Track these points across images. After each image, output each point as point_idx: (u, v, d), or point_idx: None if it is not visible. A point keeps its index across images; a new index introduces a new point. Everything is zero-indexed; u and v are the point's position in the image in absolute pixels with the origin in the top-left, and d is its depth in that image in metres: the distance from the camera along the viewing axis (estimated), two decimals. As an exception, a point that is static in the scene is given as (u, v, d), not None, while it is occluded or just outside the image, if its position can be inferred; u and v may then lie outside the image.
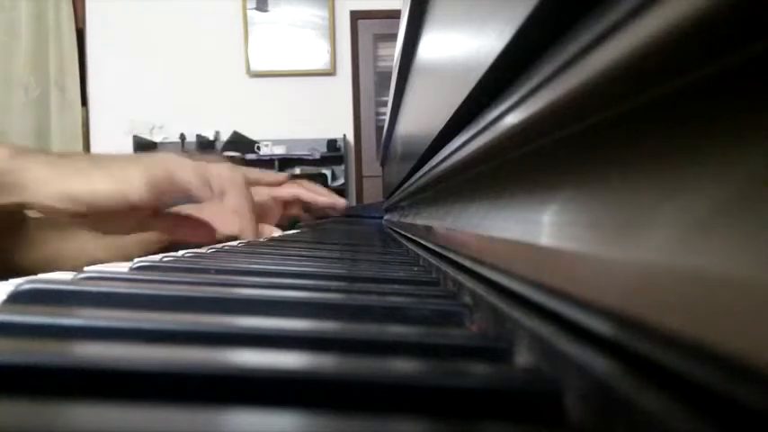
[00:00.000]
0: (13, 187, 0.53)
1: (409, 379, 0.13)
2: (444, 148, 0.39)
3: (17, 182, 0.53)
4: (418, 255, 0.47)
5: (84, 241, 0.64)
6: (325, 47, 4.17)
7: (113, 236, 0.62)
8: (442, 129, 0.38)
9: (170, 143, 4.05)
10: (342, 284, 0.30)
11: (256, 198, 0.66)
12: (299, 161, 4.09)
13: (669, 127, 0.13)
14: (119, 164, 0.57)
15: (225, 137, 4.13)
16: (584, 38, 0.14)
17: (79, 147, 4.04)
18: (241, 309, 0.21)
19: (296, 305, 0.22)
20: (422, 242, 0.49)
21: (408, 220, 0.72)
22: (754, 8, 0.09)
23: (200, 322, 0.17)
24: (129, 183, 0.55)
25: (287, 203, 0.91)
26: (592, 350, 0.12)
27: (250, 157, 4.02)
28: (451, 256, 0.33)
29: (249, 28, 4.13)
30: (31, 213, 0.59)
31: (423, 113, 0.58)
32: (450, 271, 0.30)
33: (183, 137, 4.01)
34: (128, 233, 0.61)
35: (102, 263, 0.60)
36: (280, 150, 4.02)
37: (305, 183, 0.93)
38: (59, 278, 0.25)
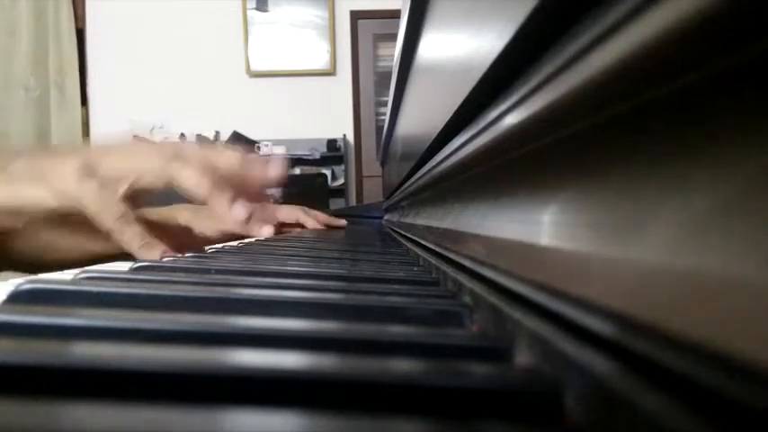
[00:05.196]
0: None
1: (409, 379, 0.13)
2: (444, 149, 0.39)
3: None
4: (418, 255, 0.47)
5: (79, 233, 0.63)
6: (325, 47, 4.17)
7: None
8: (442, 129, 0.38)
9: (170, 143, 4.05)
10: (342, 284, 0.30)
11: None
12: (299, 161, 4.09)
13: (669, 127, 0.13)
14: (55, 164, 0.50)
15: (225, 137, 4.13)
16: (584, 38, 0.14)
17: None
18: (241, 309, 0.21)
19: (296, 305, 0.22)
20: (422, 242, 0.49)
21: (408, 220, 0.72)
22: (754, 8, 0.09)
23: (200, 322, 0.17)
24: (61, 187, 0.48)
25: (284, 223, 0.95)
26: (592, 350, 0.12)
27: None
28: (451, 256, 0.33)
29: (249, 28, 4.13)
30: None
31: (423, 113, 0.58)
32: (451, 271, 0.30)
33: (183, 137, 4.01)
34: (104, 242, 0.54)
35: (95, 254, 0.57)
36: (280, 150, 4.02)
37: (305, 209, 0.97)
38: (59, 278, 0.25)
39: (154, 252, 0.48)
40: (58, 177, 0.49)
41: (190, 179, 0.50)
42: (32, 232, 0.56)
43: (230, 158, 0.58)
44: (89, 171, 0.49)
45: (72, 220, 0.51)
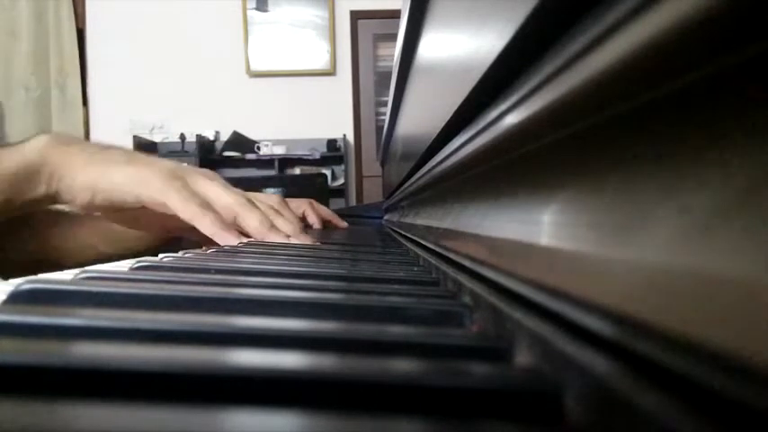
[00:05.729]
0: (46, 178, 0.56)
1: (409, 379, 0.13)
2: (444, 149, 0.39)
3: (52, 173, 0.56)
4: (418, 255, 0.47)
5: (88, 235, 0.65)
6: (325, 47, 4.17)
7: (117, 231, 0.64)
8: (442, 129, 0.38)
9: (170, 143, 4.05)
10: (342, 284, 0.30)
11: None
12: (299, 161, 4.09)
13: (669, 127, 0.13)
14: (148, 161, 0.58)
15: (225, 137, 4.13)
16: (584, 38, 0.14)
17: (79, 147, 4.04)
18: (241, 309, 0.21)
19: (296, 305, 0.22)
20: (422, 242, 0.49)
21: (408, 220, 0.72)
22: (754, 8, 0.09)
23: (200, 322, 0.17)
24: (147, 184, 0.56)
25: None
26: (592, 350, 0.12)
27: (250, 157, 4.02)
28: (451, 256, 0.33)
29: (249, 28, 4.13)
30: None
31: (423, 113, 0.58)
32: (451, 271, 0.30)
33: (182, 137, 4.01)
34: (145, 229, 0.63)
35: (104, 255, 0.61)
36: (280, 150, 4.02)
37: (313, 202, 1.03)
38: (59, 278, 0.25)
39: (232, 237, 0.54)
40: (147, 172, 0.57)
41: (251, 225, 0.58)
42: (45, 232, 0.60)
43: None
44: (175, 175, 0.57)
45: (134, 215, 0.59)
